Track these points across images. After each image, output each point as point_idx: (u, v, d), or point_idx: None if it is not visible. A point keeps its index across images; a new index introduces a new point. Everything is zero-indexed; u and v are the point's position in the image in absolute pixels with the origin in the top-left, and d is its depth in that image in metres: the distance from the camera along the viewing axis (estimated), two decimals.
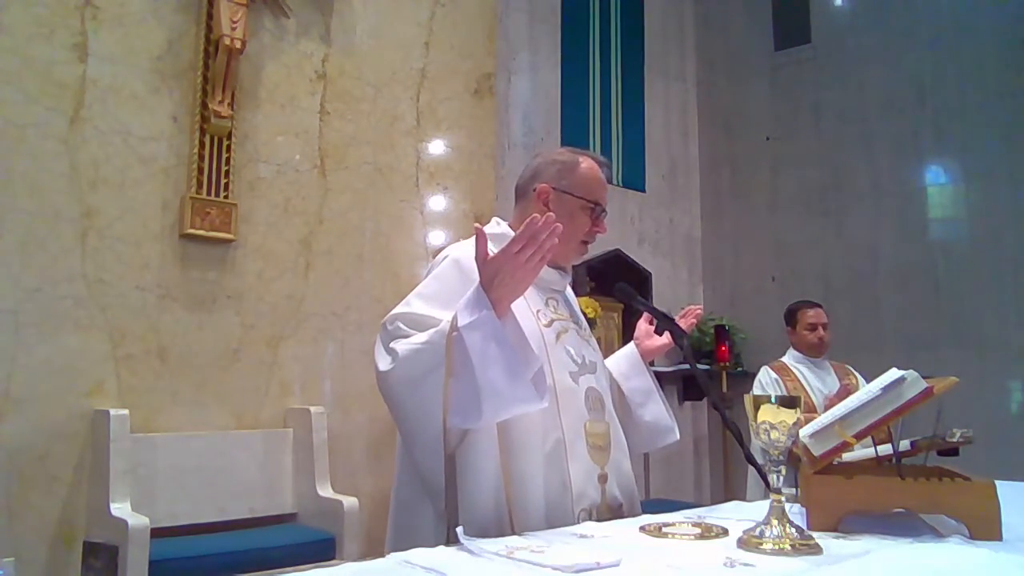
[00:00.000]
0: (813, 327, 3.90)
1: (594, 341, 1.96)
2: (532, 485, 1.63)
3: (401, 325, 1.62)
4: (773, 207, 6.20)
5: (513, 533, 1.49)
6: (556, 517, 1.63)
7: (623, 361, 2.10)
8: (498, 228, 1.92)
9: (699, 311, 2.19)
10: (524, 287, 1.53)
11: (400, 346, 1.57)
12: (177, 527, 3.16)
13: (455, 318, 1.49)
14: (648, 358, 2.10)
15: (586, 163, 1.88)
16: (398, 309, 1.67)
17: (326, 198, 3.90)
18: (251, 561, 2.94)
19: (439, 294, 1.68)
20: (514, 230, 1.89)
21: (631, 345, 2.13)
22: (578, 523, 1.61)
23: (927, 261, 5.42)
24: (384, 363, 1.59)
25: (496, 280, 1.47)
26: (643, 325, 2.12)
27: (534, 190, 1.86)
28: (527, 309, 1.76)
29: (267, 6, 3.74)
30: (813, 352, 3.89)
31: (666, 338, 2.02)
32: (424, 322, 1.60)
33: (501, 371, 1.46)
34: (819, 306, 3.99)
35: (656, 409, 2.05)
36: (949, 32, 5.47)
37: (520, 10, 5.48)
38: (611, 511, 1.75)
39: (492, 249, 1.50)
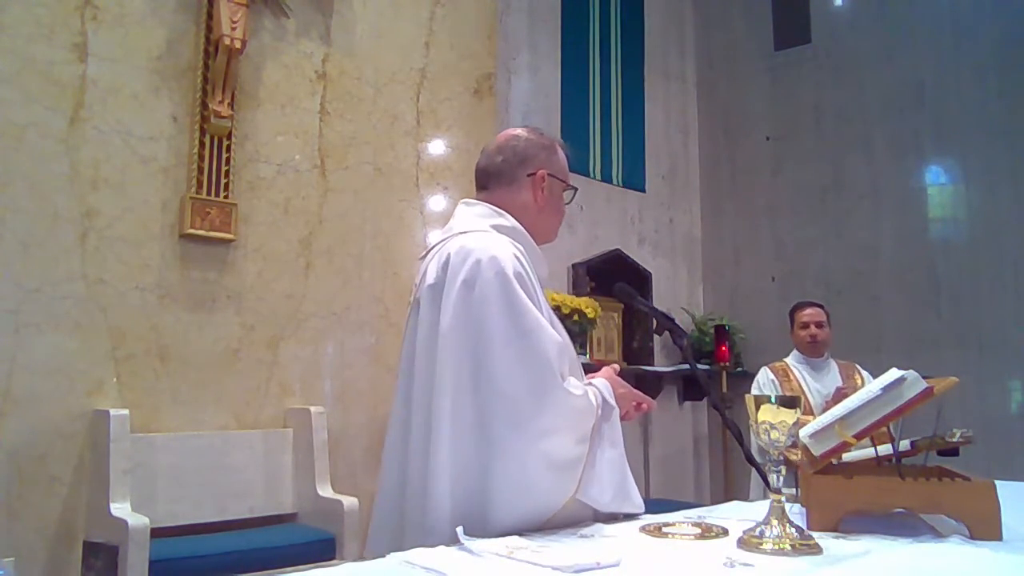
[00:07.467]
0: (805, 326, 3.89)
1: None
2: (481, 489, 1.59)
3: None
4: (773, 207, 6.19)
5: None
6: (518, 519, 1.58)
7: None
8: (507, 221, 1.81)
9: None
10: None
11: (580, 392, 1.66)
12: (177, 527, 3.16)
13: (603, 400, 1.68)
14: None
15: (562, 148, 1.96)
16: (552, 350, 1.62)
17: (326, 198, 3.90)
18: (251, 561, 2.94)
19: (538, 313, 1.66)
20: (515, 215, 1.86)
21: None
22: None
23: (927, 261, 5.41)
24: (577, 388, 1.64)
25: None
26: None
27: (529, 175, 1.83)
28: None
29: (267, 6, 3.74)
30: (809, 352, 3.87)
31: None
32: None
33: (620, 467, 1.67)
34: (817, 305, 3.96)
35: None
36: (949, 32, 5.47)
37: (520, 10, 5.47)
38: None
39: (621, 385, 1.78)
